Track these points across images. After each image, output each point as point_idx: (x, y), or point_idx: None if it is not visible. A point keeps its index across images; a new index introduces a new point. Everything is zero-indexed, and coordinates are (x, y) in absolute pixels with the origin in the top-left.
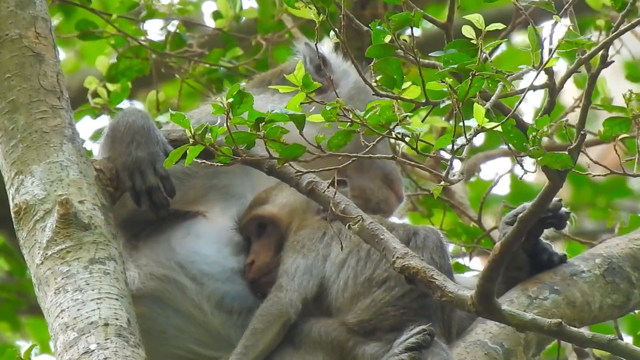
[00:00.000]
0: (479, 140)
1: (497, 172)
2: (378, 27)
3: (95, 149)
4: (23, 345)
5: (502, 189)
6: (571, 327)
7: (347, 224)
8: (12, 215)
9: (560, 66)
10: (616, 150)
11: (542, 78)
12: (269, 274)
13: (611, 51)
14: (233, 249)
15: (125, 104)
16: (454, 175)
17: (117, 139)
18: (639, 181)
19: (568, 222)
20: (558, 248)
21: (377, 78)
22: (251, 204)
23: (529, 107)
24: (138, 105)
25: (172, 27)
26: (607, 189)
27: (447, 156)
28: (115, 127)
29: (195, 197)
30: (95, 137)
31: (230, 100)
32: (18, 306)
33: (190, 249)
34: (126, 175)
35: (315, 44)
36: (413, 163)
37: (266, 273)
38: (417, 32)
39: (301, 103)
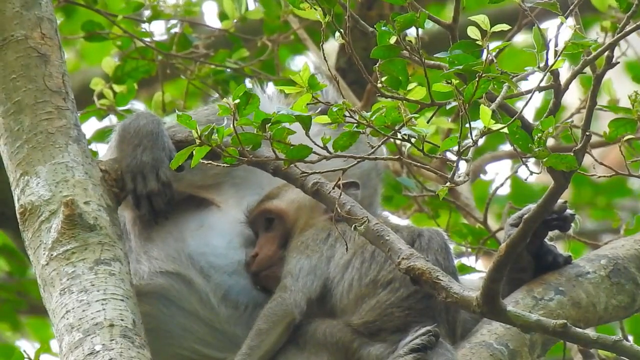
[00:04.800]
0: (481, 140)
1: (498, 172)
2: (383, 28)
3: (99, 149)
4: (23, 345)
5: (503, 189)
6: (576, 328)
7: (353, 225)
8: (18, 216)
9: (565, 66)
10: (622, 152)
11: (547, 79)
12: (270, 268)
13: (617, 52)
14: (245, 240)
15: (130, 105)
16: (459, 177)
17: (125, 141)
18: (639, 181)
19: (573, 224)
20: (562, 249)
21: (383, 79)
22: (262, 199)
23: (531, 107)
24: (141, 106)
25: (178, 28)
26: (607, 189)
27: (453, 157)
28: (125, 128)
29: (213, 184)
30: (96, 137)
31: (237, 101)
32: (18, 306)
33: (202, 240)
34: (129, 177)
35: (322, 45)
36: (419, 164)
37: (267, 267)
38: (422, 32)
39: (307, 104)
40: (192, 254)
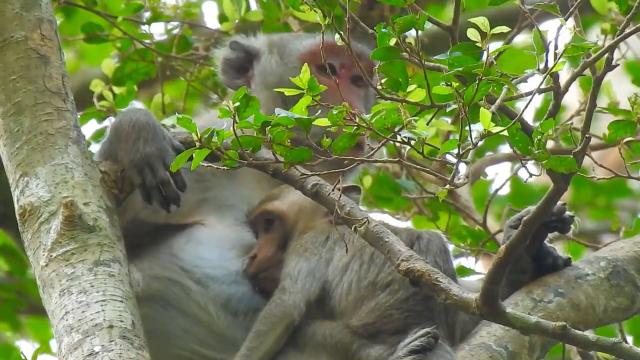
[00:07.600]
0: (480, 141)
1: (498, 173)
2: (383, 30)
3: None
4: (23, 345)
5: (503, 190)
6: (575, 330)
7: (353, 226)
8: (17, 217)
9: (565, 68)
10: (621, 154)
11: (547, 81)
12: (269, 270)
13: (617, 54)
14: (237, 252)
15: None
16: (459, 179)
17: (123, 138)
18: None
19: (572, 226)
20: (561, 250)
21: (382, 81)
22: (263, 199)
23: (530, 109)
24: (140, 106)
25: (178, 30)
26: (607, 189)
27: (453, 160)
28: (118, 127)
29: (190, 210)
30: (95, 138)
31: (237, 104)
32: (18, 306)
33: (193, 254)
34: (135, 172)
35: (322, 47)
36: (419, 167)
37: (266, 268)
38: (422, 34)
39: (307, 106)
40: (186, 266)
